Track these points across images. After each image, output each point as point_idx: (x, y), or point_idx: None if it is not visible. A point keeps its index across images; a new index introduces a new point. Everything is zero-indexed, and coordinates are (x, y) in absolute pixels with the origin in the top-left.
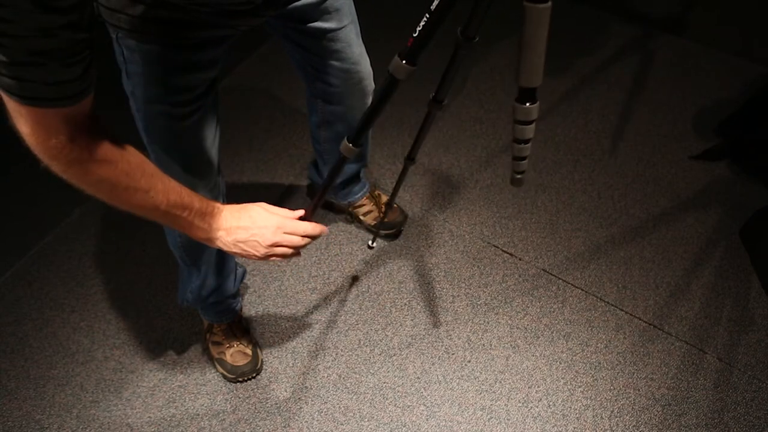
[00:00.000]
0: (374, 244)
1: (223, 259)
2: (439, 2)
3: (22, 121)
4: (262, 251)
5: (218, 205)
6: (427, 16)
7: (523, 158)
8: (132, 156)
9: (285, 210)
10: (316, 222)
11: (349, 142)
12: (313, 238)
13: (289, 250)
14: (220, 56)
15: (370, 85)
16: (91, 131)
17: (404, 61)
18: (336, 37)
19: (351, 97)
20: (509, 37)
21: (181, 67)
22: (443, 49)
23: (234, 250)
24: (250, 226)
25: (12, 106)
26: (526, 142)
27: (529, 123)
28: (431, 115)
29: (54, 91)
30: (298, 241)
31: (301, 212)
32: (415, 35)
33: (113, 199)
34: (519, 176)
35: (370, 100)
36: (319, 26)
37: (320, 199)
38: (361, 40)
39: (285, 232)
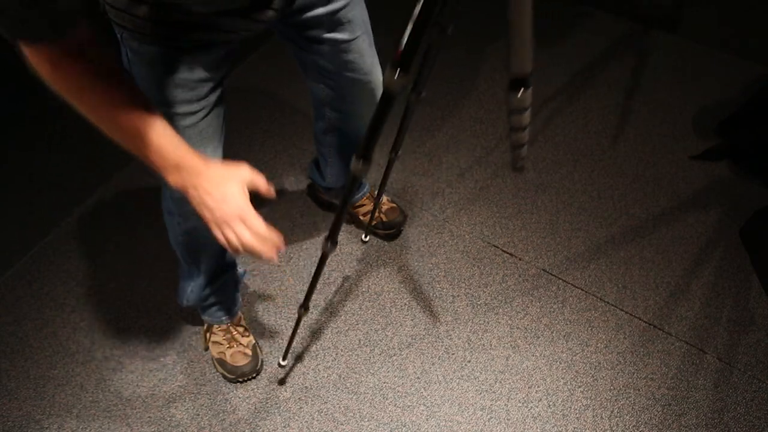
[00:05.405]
0: (367, 239)
1: (224, 259)
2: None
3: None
4: (216, 221)
5: (199, 163)
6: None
7: (523, 145)
8: (114, 72)
9: (256, 179)
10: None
11: (359, 159)
12: (260, 252)
13: (235, 240)
14: (224, 60)
15: None
16: (81, 48)
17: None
18: (348, 48)
19: (362, 106)
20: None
21: (183, 68)
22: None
23: (196, 207)
24: (219, 200)
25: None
26: (524, 129)
27: (524, 110)
28: (410, 109)
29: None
30: (247, 237)
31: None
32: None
33: (89, 111)
34: (520, 163)
35: None
36: (332, 37)
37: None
38: (374, 49)
39: (241, 223)
